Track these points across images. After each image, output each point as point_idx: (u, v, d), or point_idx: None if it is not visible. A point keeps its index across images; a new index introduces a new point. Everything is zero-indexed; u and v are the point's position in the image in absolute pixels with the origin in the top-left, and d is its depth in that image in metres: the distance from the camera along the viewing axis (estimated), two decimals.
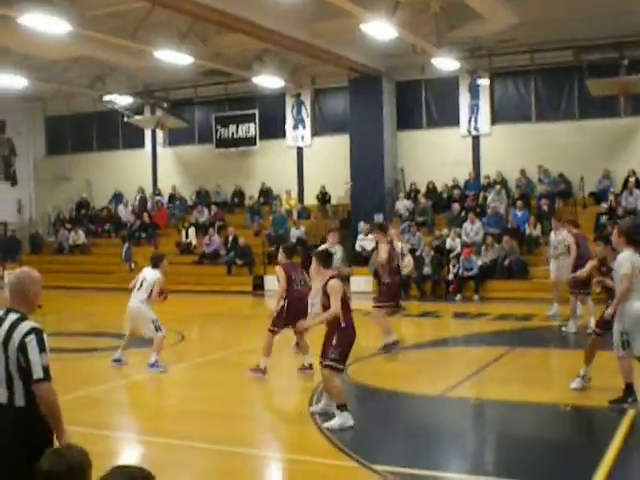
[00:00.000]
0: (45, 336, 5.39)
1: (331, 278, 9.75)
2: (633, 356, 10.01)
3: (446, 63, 26.27)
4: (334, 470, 8.25)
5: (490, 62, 28.57)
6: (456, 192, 28.45)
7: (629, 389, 10.08)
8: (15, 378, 5.33)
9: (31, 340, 5.30)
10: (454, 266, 24.38)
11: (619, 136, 27.56)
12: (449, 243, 25.46)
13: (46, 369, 5.30)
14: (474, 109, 29.42)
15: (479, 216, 26.53)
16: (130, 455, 7.28)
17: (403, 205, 28.65)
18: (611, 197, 25.92)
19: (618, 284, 10.03)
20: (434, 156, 29.61)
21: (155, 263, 13.59)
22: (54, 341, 6.17)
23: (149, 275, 13.50)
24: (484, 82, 29.05)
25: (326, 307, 9.66)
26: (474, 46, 27.20)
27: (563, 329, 16.42)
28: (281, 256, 13.16)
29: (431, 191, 29.26)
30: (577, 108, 28.26)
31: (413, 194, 29.31)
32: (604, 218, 25.04)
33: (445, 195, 28.77)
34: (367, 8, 20.49)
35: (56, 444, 5.19)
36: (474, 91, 29.38)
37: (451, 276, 24.37)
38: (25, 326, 5.37)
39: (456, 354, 15.24)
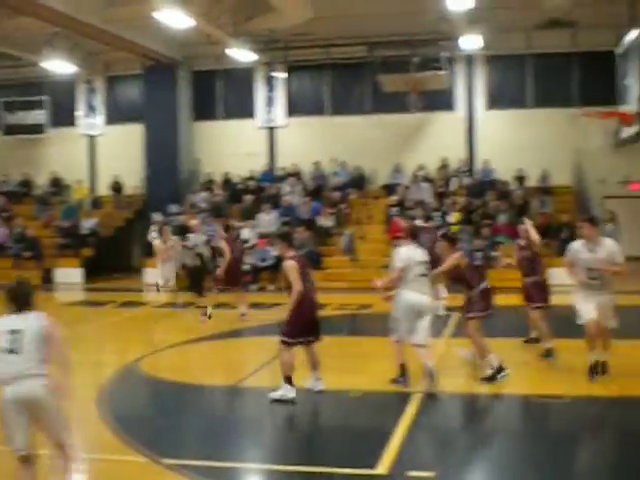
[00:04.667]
0: None
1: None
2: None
3: (242, 54, 26.32)
4: (124, 466, 8.01)
5: (286, 55, 28.84)
6: (251, 183, 28.52)
7: (402, 370, 10.78)
8: None
9: None
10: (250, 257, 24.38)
11: (409, 131, 28.52)
12: (245, 234, 25.43)
13: None
14: (270, 101, 29.62)
15: (274, 207, 26.70)
16: None
17: (200, 196, 28.41)
18: (401, 189, 26.75)
19: None
20: (230, 147, 29.63)
21: None
22: None
23: None
24: (280, 75, 29.28)
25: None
26: (270, 38, 27.38)
27: None
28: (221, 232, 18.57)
29: (227, 182, 29.20)
30: (370, 103, 29.00)
31: (209, 185, 29.15)
32: (394, 210, 25.81)
33: (241, 186, 28.77)
34: None
35: None
36: (270, 83, 29.60)
37: (247, 267, 24.34)
38: None
39: (252, 344, 15.24)
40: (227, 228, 18.92)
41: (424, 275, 10.84)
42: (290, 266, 10.19)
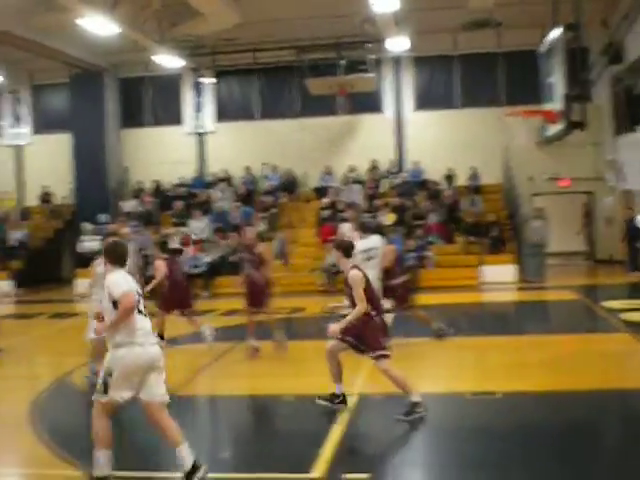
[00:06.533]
0: None
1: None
2: None
3: (169, 60, 26.16)
4: None
5: (214, 60, 28.75)
6: (182, 190, 28.37)
7: None
8: None
9: None
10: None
11: (339, 133, 28.66)
12: (176, 242, 25.25)
13: None
14: (198, 107, 29.53)
15: (205, 213, 26.58)
16: None
17: (130, 204, 28.16)
18: (332, 192, 26.85)
19: None
20: (159, 154, 29.45)
21: None
22: None
23: None
24: (208, 80, 29.20)
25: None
26: (197, 44, 27.28)
27: None
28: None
29: (157, 189, 28.99)
30: (299, 106, 29.07)
31: (139, 193, 28.91)
32: (326, 212, 25.89)
33: (171, 193, 28.59)
34: (85, 2, 19.95)
35: None
36: (198, 89, 29.52)
37: None
38: None
39: (183, 352, 15.13)
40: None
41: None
42: (157, 265, 14.04)
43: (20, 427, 9.74)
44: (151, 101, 30.35)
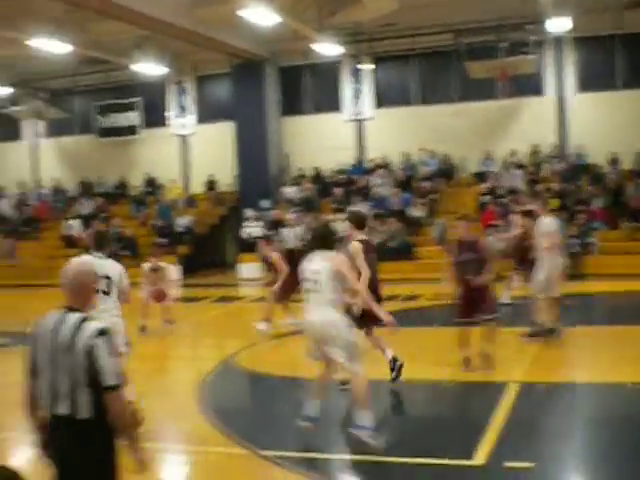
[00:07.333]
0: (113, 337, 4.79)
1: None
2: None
3: (328, 48, 26.37)
4: (225, 458, 8.20)
5: (372, 47, 28.80)
6: (341, 176, 28.63)
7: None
8: (80, 386, 4.64)
9: (101, 343, 4.64)
10: None
11: (498, 117, 28.18)
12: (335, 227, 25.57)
13: (118, 375, 4.69)
14: (357, 94, 29.66)
15: (365, 199, 26.75)
16: None
17: (290, 191, 28.64)
18: (492, 177, 26.50)
19: None
20: (319, 141, 29.71)
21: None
22: None
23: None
24: (366, 67, 29.29)
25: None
26: (356, 31, 27.42)
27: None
28: None
29: (316, 176, 29.36)
30: (458, 91, 28.77)
31: (299, 179, 29.35)
32: (486, 198, 25.57)
33: (330, 180, 28.89)
34: None
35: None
36: (357, 76, 29.61)
37: None
38: (91, 327, 4.69)
39: None
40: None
41: None
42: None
43: (187, 406, 10.14)
44: (310, 89, 30.69)
